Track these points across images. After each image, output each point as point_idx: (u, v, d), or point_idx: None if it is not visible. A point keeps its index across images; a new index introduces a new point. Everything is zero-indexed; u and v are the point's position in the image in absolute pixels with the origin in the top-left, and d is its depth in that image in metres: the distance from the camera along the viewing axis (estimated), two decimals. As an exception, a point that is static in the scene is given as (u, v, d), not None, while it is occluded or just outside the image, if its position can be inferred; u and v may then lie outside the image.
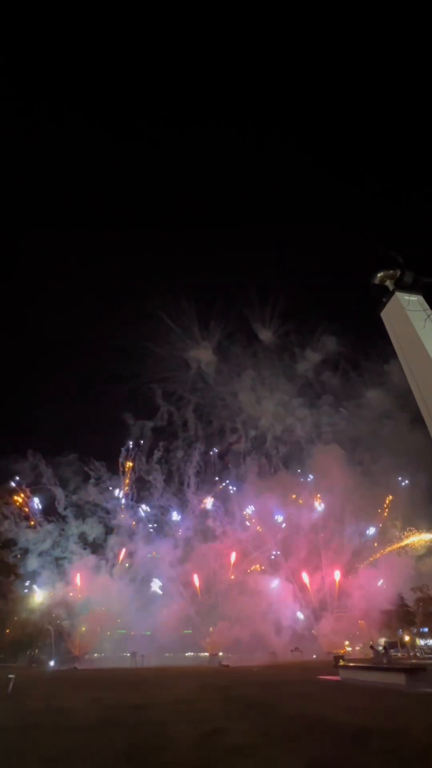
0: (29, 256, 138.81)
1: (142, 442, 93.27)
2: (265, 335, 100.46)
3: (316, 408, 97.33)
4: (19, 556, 71.98)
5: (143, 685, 27.69)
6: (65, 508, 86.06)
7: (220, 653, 74.67)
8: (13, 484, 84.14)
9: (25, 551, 78.79)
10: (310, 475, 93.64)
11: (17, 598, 64.73)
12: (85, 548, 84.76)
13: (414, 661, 53.00)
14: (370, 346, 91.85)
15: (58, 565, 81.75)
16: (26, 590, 71.70)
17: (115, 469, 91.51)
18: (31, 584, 75.20)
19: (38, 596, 73.48)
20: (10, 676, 24.40)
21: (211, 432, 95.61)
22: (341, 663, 32.51)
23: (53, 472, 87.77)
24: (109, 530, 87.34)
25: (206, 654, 76.60)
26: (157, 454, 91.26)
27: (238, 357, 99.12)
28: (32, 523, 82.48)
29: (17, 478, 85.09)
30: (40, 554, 80.00)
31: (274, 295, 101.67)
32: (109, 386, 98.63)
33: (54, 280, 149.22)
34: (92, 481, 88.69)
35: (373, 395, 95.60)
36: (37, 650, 76.11)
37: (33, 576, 77.60)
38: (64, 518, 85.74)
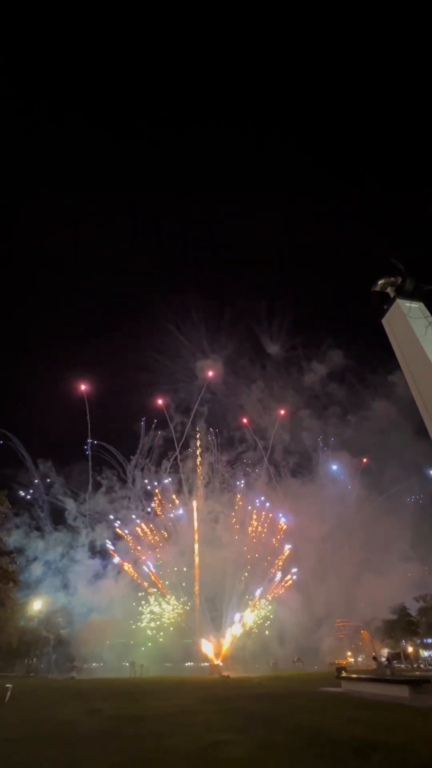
0: (39, 261, 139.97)
1: (152, 451, 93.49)
2: (272, 348, 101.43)
3: (324, 418, 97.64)
4: (18, 562, 71.54)
5: (142, 696, 27.26)
6: (75, 519, 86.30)
7: (221, 663, 73.69)
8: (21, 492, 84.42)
9: (31, 559, 78.69)
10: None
11: (16, 605, 64.00)
12: (93, 557, 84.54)
13: (418, 672, 52.10)
14: (375, 356, 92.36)
15: (62, 572, 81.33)
16: (26, 597, 71.14)
17: (125, 478, 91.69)
18: (32, 592, 74.74)
19: (38, 604, 72.77)
20: (7, 685, 24.06)
21: (220, 442, 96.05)
22: (343, 674, 31.93)
23: (64, 480, 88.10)
24: (117, 538, 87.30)
25: (206, 664, 75.60)
26: (166, 464, 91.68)
27: (246, 369, 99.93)
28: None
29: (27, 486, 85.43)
30: (45, 563, 79.79)
31: (282, 309, 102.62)
32: (120, 396, 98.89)
33: (62, 291, 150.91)
34: (103, 489, 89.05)
35: (379, 405, 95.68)
36: (35, 659, 75.22)
37: (35, 583, 77.19)
38: (73, 528, 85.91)
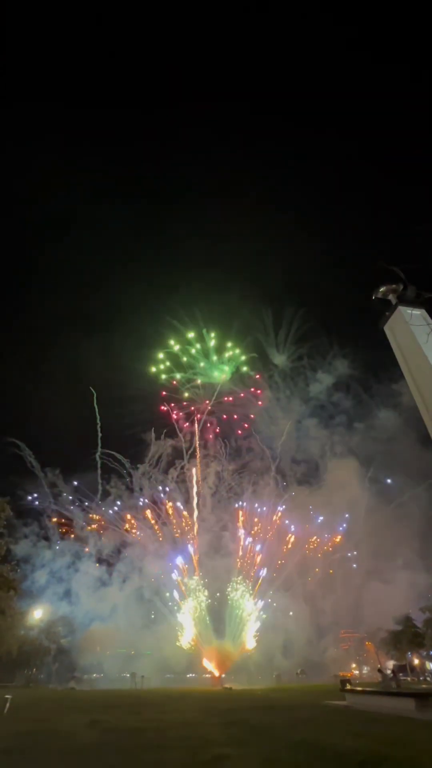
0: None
1: (160, 460, 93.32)
2: (279, 359, 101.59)
3: (331, 427, 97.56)
4: (19, 570, 71.10)
5: (143, 708, 26.81)
6: (82, 529, 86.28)
7: (223, 675, 72.53)
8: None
9: (37, 567, 78.62)
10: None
11: (16, 614, 63.35)
12: (99, 566, 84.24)
13: (424, 686, 51.00)
14: (380, 364, 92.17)
15: (66, 581, 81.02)
16: (29, 606, 70.53)
17: (133, 487, 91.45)
18: (35, 601, 74.23)
19: (38, 612, 72.06)
20: (7, 696, 23.72)
21: (228, 451, 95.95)
22: (348, 687, 31.29)
23: (72, 489, 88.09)
24: (122, 547, 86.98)
25: (208, 675, 74.45)
26: (173, 473, 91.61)
27: (254, 380, 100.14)
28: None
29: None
30: (50, 572, 79.61)
31: (288, 321, 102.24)
32: (129, 406, 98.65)
33: (73, 299, 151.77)
34: (111, 497, 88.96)
35: (385, 413, 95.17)
36: (34, 669, 74.22)
37: (39, 592, 76.84)
38: (81, 537, 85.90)
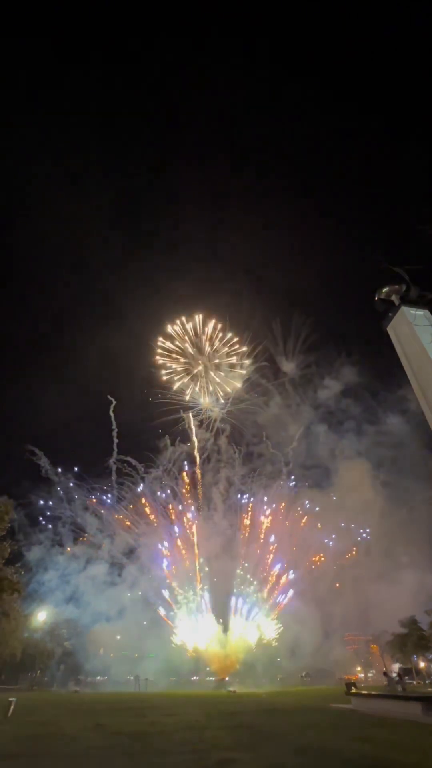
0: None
1: (173, 465, 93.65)
2: (288, 366, 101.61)
3: (339, 433, 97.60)
4: (23, 573, 71.27)
5: (147, 711, 26.72)
6: (94, 536, 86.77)
7: (227, 678, 72.18)
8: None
9: (48, 571, 79.00)
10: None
11: (20, 617, 63.31)
12: (109, 571, 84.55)
13: (430, 689, 50.51)
14: (389, 367, 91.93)
15: (76, 586, 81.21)
16: (31, 608, 70.52)
17: (146, 493, 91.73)
18: (42, 604, 74.34)
19: (42, 615, 72.01)
20: (11, 699, 23.72)
21: (238, 457, 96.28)
22: (353, 690, 31.04)
23: (86, 494, 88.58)
24: (131, 550, 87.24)
25: (213, 678, 74.13)
26: (187, 478, 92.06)
27: (264, 387, 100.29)
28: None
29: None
30: (61, 576, 79.93)
31: (297, 329, 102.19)
32: (140, 413, 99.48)
33: (91, 325, 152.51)
34: (124, 502, 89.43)
35: (394, 418, 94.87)
36: (38, 672, 74.15)
37: (47, 595, 77.02)
38: (93, 543, 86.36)
